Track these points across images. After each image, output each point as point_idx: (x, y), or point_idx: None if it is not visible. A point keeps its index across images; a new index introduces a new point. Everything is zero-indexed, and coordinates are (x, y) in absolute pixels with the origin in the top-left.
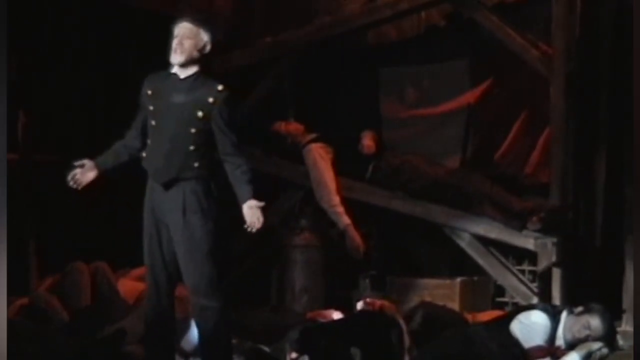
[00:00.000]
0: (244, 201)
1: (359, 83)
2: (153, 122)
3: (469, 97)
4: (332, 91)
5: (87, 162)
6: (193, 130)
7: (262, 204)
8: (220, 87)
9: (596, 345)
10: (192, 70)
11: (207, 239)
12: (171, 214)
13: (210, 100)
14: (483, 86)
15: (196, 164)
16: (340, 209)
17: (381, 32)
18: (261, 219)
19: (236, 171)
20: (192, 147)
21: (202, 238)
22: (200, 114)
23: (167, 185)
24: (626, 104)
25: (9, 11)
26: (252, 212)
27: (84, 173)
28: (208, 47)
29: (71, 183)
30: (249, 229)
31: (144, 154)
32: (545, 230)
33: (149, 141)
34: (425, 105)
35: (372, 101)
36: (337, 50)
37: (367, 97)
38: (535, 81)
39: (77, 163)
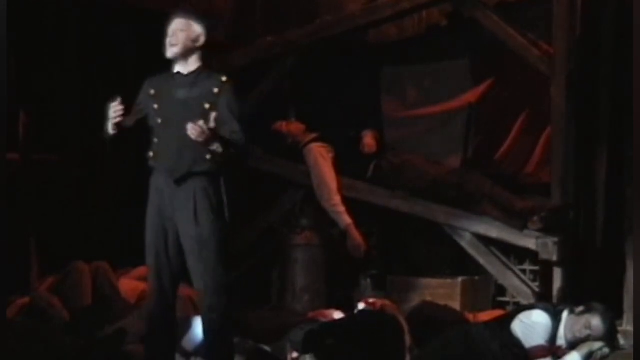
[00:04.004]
0: None
1: (360, 82)
2: (159, 120)
3: (470, 96)
4: (333, 90)
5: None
6: (201, 123)
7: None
8: (224, 78)
9: (597, 345)
10: (195, 66)
11: (216, 236)
12: (181, 211)
13: (215, 90)
14: (484, 85)
15: (208, 156)
16: (341, 209)
17: (382, 31)
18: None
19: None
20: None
21: (211, 235)
22: (207, 105)
23: (179, 182)
24: (627, 103)
25: (9, 11)
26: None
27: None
28: (202, 39)
29: (114, 116)
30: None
31: (150, 153)
32: (547, 229)
33: (155, 140)
34: (426, 104)
35: (373, 100)
36: (339, 49)
37: (368, 97)
38: (536, 81)
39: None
